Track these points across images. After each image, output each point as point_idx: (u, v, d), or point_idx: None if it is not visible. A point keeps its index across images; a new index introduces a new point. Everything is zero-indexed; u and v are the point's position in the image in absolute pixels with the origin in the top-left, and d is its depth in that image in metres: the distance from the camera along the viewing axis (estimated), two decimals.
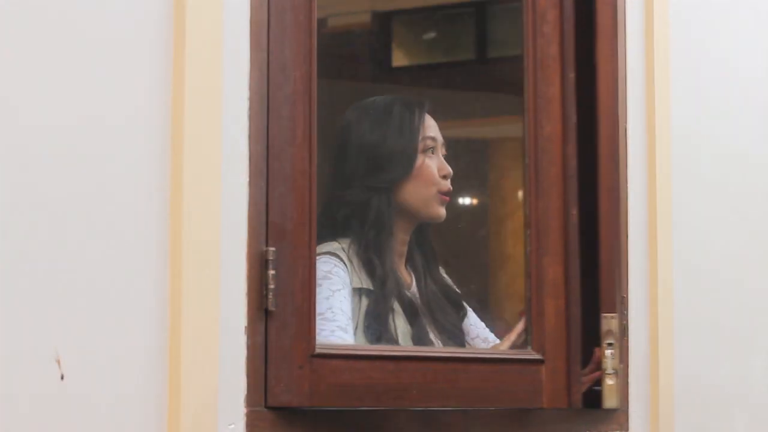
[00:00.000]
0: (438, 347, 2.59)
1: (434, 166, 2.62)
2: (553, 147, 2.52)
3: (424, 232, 2.70)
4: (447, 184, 2.63)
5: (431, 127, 2.64)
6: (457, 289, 2.74)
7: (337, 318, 2.42)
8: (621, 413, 2.76)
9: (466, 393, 2.36)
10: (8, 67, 1.70)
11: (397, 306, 2.55)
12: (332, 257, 2.49)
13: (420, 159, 2.61)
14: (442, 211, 2.64)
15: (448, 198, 2.64)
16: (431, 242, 2.72)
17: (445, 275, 2.75)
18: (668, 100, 2.85)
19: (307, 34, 2.15)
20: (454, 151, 2.72)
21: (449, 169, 2.64)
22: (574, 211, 2.51)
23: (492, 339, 2.73)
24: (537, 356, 2.46)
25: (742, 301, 3.13)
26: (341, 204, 2.58)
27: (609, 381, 2.56)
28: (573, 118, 2.52)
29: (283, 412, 2.10)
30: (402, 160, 2.60)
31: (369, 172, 2.59)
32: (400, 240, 2.63)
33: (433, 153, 2.63)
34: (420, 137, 2.61)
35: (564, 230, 2.51)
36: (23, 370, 1.70)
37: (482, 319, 2.79)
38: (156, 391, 1.88)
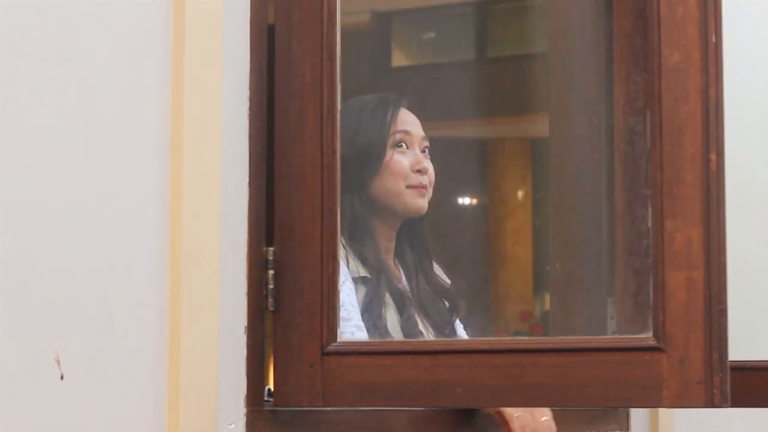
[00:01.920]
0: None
1: (405, 160, 2.60)
2: (685, 79, 2.03)
3: (416, 229, 2.68)
4: (419, 179, 2.60)
5: (405, 122, 2.63)
6: (449, 288, 2.73)
7: (352, 316, 2.42)
8: (621, 413, 2.76)
9: (539, 389, 2.04)
10: (8, 67, 1.70)
11: (388, 298, 2.55)
12: None
13: (389, 153, 2.60)
14: (419, 203, 2.61)
15: (424, 189, 2.61)
16: (425, 240, 2.70)
17: (440, 274, 2.73)
18: None
19: (318, 25, 2.13)
20: (454, 151, 2.71)
21: (424, 164, 2.61)
22: (714, 157, 2.00)
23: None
24: (652, 343, 1.99)
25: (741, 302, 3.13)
26: None
27: None
28: (713, 39, 2.02)
29: (284, 412, 2.10)
30: (371, 156, 2.59)
31: (342, 170, 2.59)
32: (385, 236, 2.62)
33: (407, 147, 2.61)
34: (390, 132, 2.60)
35: (702, 184, 1.99)
36: (23, 370, 1.70)
37: (481, 320, 2.78)
38: (156, 391, 1.88)
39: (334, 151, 2.11)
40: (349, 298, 2.44)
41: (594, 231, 3.01)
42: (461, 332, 2.71)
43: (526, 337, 2.49)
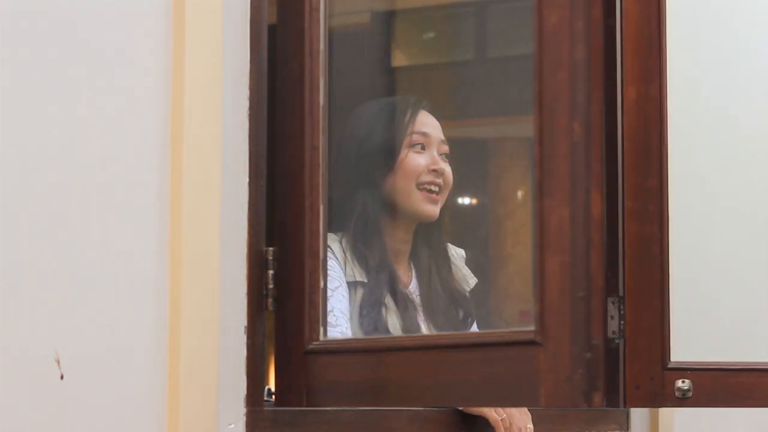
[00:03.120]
0: (422, 334, 2.50)
1: (420, 160, 2.59)
2: (560, 43, 1.84)
3: (433, 232, 2.67)
4: (432, 178, 2.59)
5: (424, 124, 2.62)
6: (466, 296, 2.70)
7: (339, 322, 2.41)
8: (621, 413, 2.76)
9: (448, 389, 1.95)
10: (8, 67, 1.70)
11: (390, 302, 2.54)
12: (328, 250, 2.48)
13: (404, 153, 2.59)
14: (429, 209, 2.59)
15: (435, 196, 2.60)
16: (442, 243, 2.68)
17: (464, 275, 2.70)
18: None
19: (301, 21, 2.13)
20: (454, 151, 2.70)
21: (441, 165, 2.59)
22: (577, 127, 1.81)
23: None
24: (531, 337, 1.82)
25: (741, 302, 3.13)
26: (333, 200, 2.57)
27: None
28: None
29: (284, 412, 2.10)
30: (385, 155, 2.59)
31: (356, 168, 2.59)
32: (399, 238, 2.61)
33: (423, 149, 2.60)
34: (407, 132, 2.60)
35: (570, 156, 1.82)
36: (23, 370, 1.70)
37: (481, 320, 2.77)
38: (156, 391, 1.88)
39: (315, 148, 2.10)
40: (339, 305, 2.43)
41: None
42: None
43: (445, 333, 2.43)
